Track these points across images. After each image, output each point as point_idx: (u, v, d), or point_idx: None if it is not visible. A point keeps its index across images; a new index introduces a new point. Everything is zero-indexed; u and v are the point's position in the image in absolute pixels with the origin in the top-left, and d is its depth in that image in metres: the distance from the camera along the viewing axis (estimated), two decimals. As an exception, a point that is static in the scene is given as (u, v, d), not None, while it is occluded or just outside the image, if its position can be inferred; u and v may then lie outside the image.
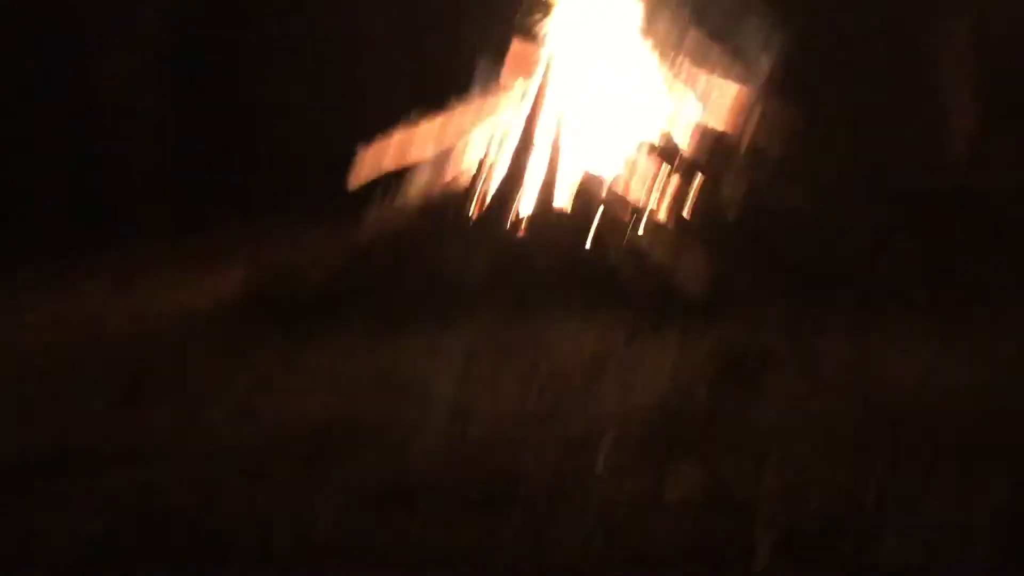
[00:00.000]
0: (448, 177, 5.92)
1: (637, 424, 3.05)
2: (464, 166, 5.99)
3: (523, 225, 5.20)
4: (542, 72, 5.88)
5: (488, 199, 5.40)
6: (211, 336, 4.57)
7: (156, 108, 8.60)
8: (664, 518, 2.44)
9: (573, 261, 4.84)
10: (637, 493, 2.58)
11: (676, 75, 5.75)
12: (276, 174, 8.45)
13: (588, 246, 4.93)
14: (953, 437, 2.74)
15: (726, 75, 5.68)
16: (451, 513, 2.52)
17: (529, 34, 5.99)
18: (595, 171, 5.37)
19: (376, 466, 2.85)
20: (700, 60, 5.75)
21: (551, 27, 5.93)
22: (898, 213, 5.12)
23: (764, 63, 5.64)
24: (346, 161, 5.95)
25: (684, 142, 5.49)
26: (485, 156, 5.82)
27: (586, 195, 5.17)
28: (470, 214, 5.41)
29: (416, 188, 5.86)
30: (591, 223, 4.99)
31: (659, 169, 5.26)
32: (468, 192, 5.53)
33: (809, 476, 2.57)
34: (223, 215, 7.72)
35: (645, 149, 5.41)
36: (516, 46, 5.93)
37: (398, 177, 5.91)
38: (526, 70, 5.90)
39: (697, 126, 5.53)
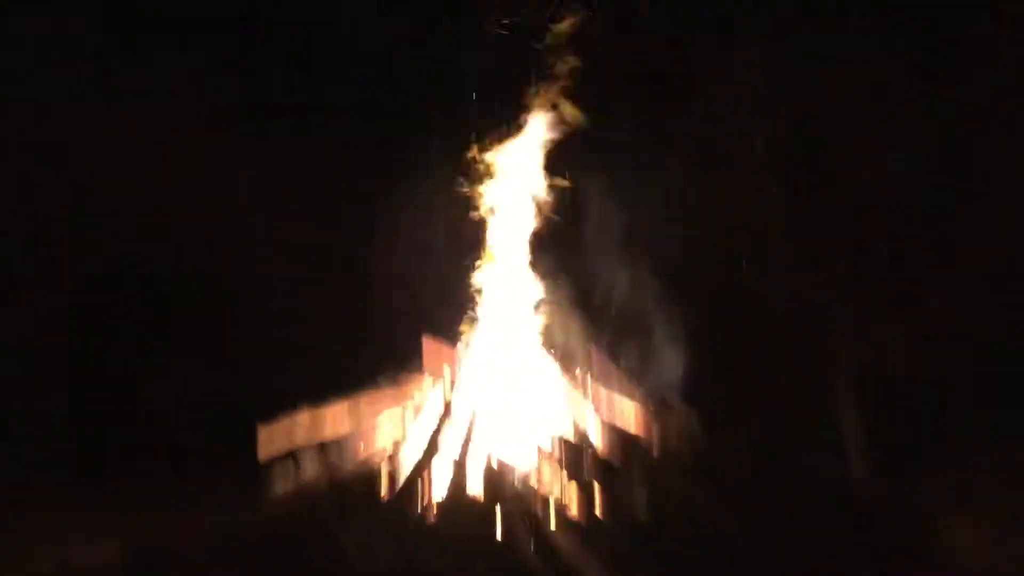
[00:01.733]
0: (359, 457, 5.87)
1: None
2: (376, 447, 5.96)
3: (433, 511, 5.11)
4: (458, 363, 6.14)
5: (399, 482, 5.32)
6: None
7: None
8: None
9: (483, 553, 4.72)
10: None
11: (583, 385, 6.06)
12: (173, 444, 8.15)
13: (499, 537, 4.84)
14: None
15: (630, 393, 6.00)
16: None
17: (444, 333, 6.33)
18: (508, 462, 5.39)
19: None
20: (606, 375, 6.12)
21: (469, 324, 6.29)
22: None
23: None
24: (251, 437, 5.90)
25: (597, 441, 5.62)
26: (399, 439, 5.86)
27: (499, 483, 5.14)
28: (380, 495, 5.31)
29: (324, 466, 5.78)
30: (503, 513, 4.91)
31: (571, 465, 5.30)
32: (378, 473, 5.44)
33: None
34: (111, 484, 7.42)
35: (559, 444, 5.48)
36: (429, 343, 6.19)
37: (307, 455, 5.85)
38: (442, 362, 6.11)
39: (609, 427, 5.69)
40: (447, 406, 5.69)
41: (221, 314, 8.56)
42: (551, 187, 6.37)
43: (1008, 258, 8.04)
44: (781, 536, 4.73)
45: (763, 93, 7.77)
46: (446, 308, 6.52)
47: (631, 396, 6.01)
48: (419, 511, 5.13)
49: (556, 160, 6.40)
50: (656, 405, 5.93)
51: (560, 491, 5.19)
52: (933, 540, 4.95)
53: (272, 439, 5.89)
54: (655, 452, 5.47)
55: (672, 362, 6.27)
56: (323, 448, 5.90)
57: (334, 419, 6.07)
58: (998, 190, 8.07)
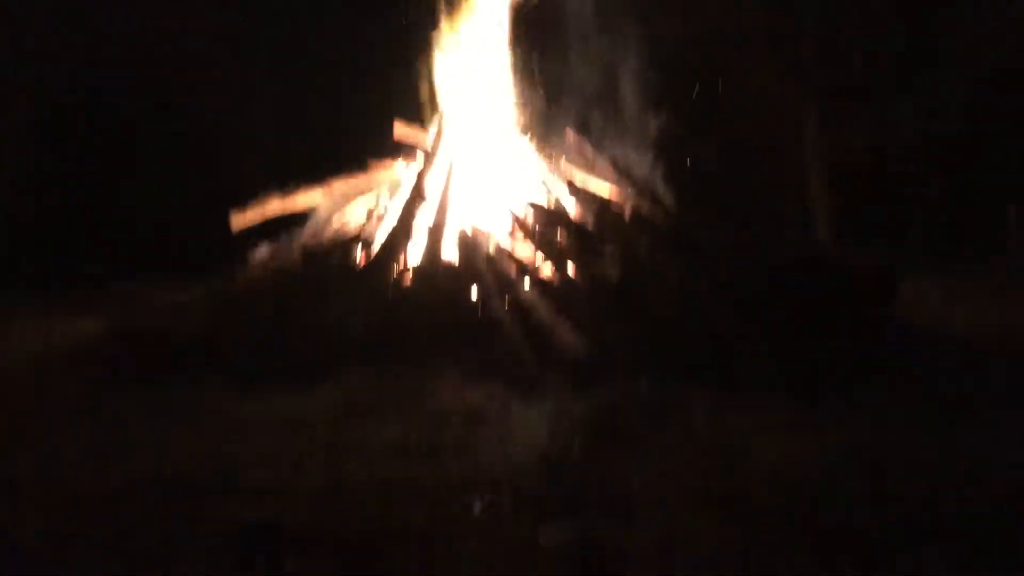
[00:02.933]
0: (335, 226, 5.92)
1: (515, 476, 3.06)
2: (353, 216, 6.04)
3: (409, 275, 5.18)
4: (434, 132, 6.13)
5: (376, 248, 5.38)
6: (73, 381, 4.43)
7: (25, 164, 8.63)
8: (540, 566, 2.46)
9: (458, 312, 4.82)
10: (514, 542, 2.59)
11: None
12: (154, 230, 8.48)
13: (473, 299, 4.92)
14: (806, 508, 2.82)
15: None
16: (327, 557, 2.48)
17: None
18: (483, 226, 5.45)
19: (246, 509, 2.78)
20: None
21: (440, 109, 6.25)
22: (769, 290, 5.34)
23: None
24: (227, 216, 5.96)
25: (571, 206, 5.66)
26: (374, 207, 5.90)
27: (473, 249, 5.19)
28: (356, 262, 5.38)
29: (302, 236, 5.84)
30: (477, 277, 4.99)
31: (546, 229, 5.37)
32: (355, 240, 5.53)
33: (677, 530, 2.64)
34: (95, 268, 7.73)
35: (533, 209, 5.54)
36: (400, 128, 6.21)
37: (284, 227, 5.93)
38: (414, 145, 6.16)
39: (584, 192, 5.71)
40: (419, 184, 5.66)
41: (191, 117, 8.74)
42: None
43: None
44: (747, 296, 4.79)
45: None
46: (416, 93, 6.43)
47: (604, 172, 6.03)
48: (395, 276, 5.19)
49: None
50: (628, 178, 5.96)
51: (534, 255, 5.26)
52: (892, 293, 5.07)
53: (246, 221, 5.94)
54: (626, 219, 5.48)
55: (644, 139, 6.26)
56: (298, 224, 5.97)
57: (307, 200, 6.09)
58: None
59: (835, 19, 8.93)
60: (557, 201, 5.72)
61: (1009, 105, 8.71)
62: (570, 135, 6.19)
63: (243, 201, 5.95)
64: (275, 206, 6.05)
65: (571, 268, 5.08)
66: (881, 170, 9.25)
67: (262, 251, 5.80)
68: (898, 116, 8.98)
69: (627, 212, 5.51)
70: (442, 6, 6.15)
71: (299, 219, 6.00)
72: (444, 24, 6.15)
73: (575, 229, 5.36)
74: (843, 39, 9.02)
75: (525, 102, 6.30)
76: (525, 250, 5.35)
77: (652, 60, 6.48)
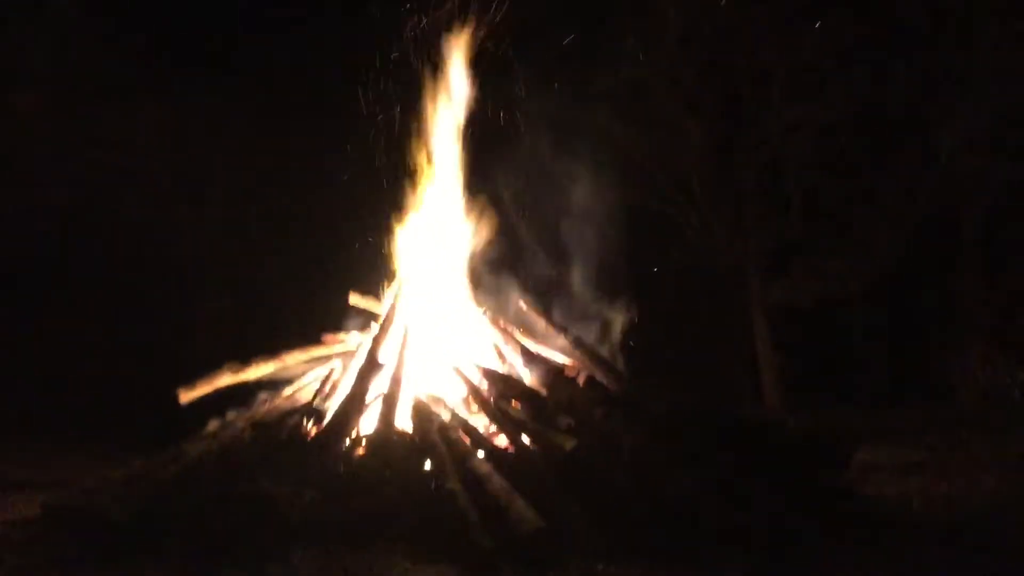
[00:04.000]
0: (288, 397, 5.87)
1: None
2: (306, 387, 5.99)
3: (362, 446, 5.06)
4: (389, 300, 6.25)
5: (328, 419, 5.29)
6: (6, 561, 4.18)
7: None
8: None
9: (410, 486, 4.67)
10: None
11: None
12: (98, 402, 8.23)
13: (426, 470, 4.80)
14: None
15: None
16: None
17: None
18: (437, 395, 5.44)
19: None
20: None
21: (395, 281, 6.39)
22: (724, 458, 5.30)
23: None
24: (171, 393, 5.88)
25: (526, 374, 5.69)
26: (328, 377, 5.86)
27: (427, 418, 5.14)
28: (307, 433, 5.26)
29: (252, 408, 5.78)
30: (431, 447, 4.89)
31: (501, 397, 5.36)
32: (307, 411, 5.44)
33: None
34: (31, 441, 7.46)
35: (488, 378, 5.54)
36: (354, 300, 6.37)
37: (235, 400, 5.88)
38: (368, 317, 6.29)
39: (538, 360, 5.75)
40: (374, 352, 5.67)
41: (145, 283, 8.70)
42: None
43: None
44: (703, 466, 4.73)
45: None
46: (371, 266, 6.62)
47: (557, 340, 6.16)
48: (347, 447, 5.07)
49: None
50: (581, 346, 6.07)
51: (488, 424, 5.24)
52: (845, 462, 5.05)
53: (194, 394, 5.88)
54: (580, 388, 5.42)
55: (597, 310, 6.50)
56: (248, 397, 5.93)
57: (259, 372, 6.11)
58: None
59: (772, 176, 9.33)
60: (512, 369, 5.75)
61: (937, 250, 9.08)
62: (523, 305, 6.32)
63: (192, 375, 5.88)
64: (226, 378, 5.99)
65: (526, 438, 5.01)
66: (825, 323, 9.47)
67: (211, 424, 5.66)
68: (837, 268, 9.26)
69: (581, 380, 5.47)
70: (403, 184, 6.42)
71: (251, 391, 5.95)
72: (402, 197, 6.40)
73: (530, 397, 5.32)
74: (781, 195, 9.35)
75: (479, 274, 6.47)
76: (480, 419, 5.31)
77: (602, 227, 6.79)
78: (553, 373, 5.55)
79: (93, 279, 8.63)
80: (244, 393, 5.94)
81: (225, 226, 8.76)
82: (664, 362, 7.39)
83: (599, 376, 5.66)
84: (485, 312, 6.28)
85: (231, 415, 5.67)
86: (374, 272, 6.49)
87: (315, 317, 6.58)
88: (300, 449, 5.06)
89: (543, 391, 5.40)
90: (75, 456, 6.93)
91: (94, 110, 8.54)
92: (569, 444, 4.81)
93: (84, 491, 5.13)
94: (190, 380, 5.84)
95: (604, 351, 6.14)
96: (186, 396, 5.78)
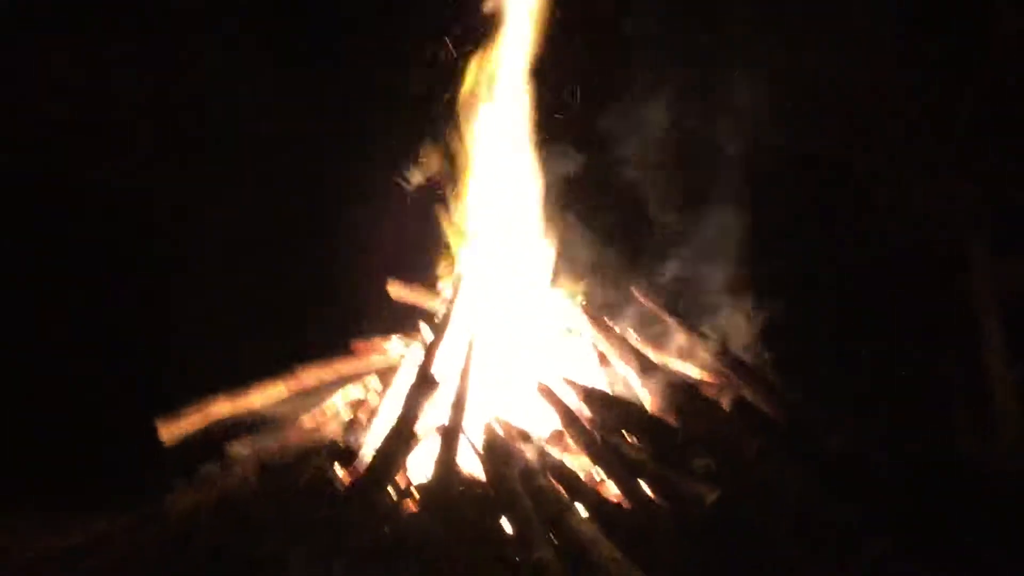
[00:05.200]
0: (306, 432, 5.96)
1: None
2: (331, 417, 6.10)
3: (414, 500, 5.10)
4: (447, 292, 6.34)
5: (364, 461, 5.35)
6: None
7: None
8: None
9: (483, 556, 4.64)
10: None
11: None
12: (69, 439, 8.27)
13: (506, 535, 4.78)
14: None
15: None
16: None
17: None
18: (518, 427, 5.44)
19: None
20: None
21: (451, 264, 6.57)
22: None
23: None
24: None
25: (644, 396, 5.66)
26: (361, 402, 5.97)
27: (505, 460, 5.12)
28: (336, 481, 5.29)
29: (259, 444, 5.88)
30: (511, 501, 4.86)
31: (609, 429, 5.32)
32: (334, 451, 5.46)
33: None
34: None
35: (589, 401, 5.53)
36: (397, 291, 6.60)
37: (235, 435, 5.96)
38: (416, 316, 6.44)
39: (662, 375, 5.69)
40: (425, 371, 5.65)
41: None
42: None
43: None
44: (903, 528, 4.62)
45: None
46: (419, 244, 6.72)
47: (689, 346, 6.12)
48: (392, 501, 5.10)
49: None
50: (725, 354, 5.97)
51: (592, 467, 5.22)
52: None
53: (182, 429, 6.00)
54: (725, 413, 5.37)
55: (746, 302, 6.36)
56: (252, 432, 6.03)
57: (267, 398, 6.20)
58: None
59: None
60: (623, 389, 5.76)
61: None
62: (638, 294, 6.30)
63: (177, 400, 5.98)
64: (223, 406, 6.08)
65: (647, 487, 4.96)
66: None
67: (207, 468, 5.76)
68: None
69: (726, 403, 5.41)
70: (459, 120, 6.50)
71: (256, 424, 6.06)
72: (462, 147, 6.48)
73: (651, 429, 5.30)
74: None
75: (570, 249, 6.49)
76: (579, 461, 5.30)
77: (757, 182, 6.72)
78: (685, 393, 5.48)
79: (44, 254, 8.82)
80: (248, 424, 6.04)
81: (213, 183, 8.88)
82: (840, 377, 7.25)
83: (751, 396, 5.58)
84: (582, 305, 6.29)
85: (230, 454, 5.76)
86: (425, 252, 6.61)
87: (343, 317, 6.69)
88: (327, 503, 5.08)
89: (670, 419, 5.36)
90: (13, 514, 6.87)
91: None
92: (710, 495, 4.75)
93: (22, 568, 5.30)
94: (174, 408, 5.92)
95: (762, 355, 6.09)
96: (169, 432, 5.86)
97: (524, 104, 6.55)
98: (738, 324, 6.19)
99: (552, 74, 6.57)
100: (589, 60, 6.82)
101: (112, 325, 8.62)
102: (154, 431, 5.87)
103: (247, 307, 8.36)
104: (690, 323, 6.18)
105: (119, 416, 6.49)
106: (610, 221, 6.72)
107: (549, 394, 5.64)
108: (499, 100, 6.56)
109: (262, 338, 7.24)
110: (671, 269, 6.55)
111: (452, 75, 6.65)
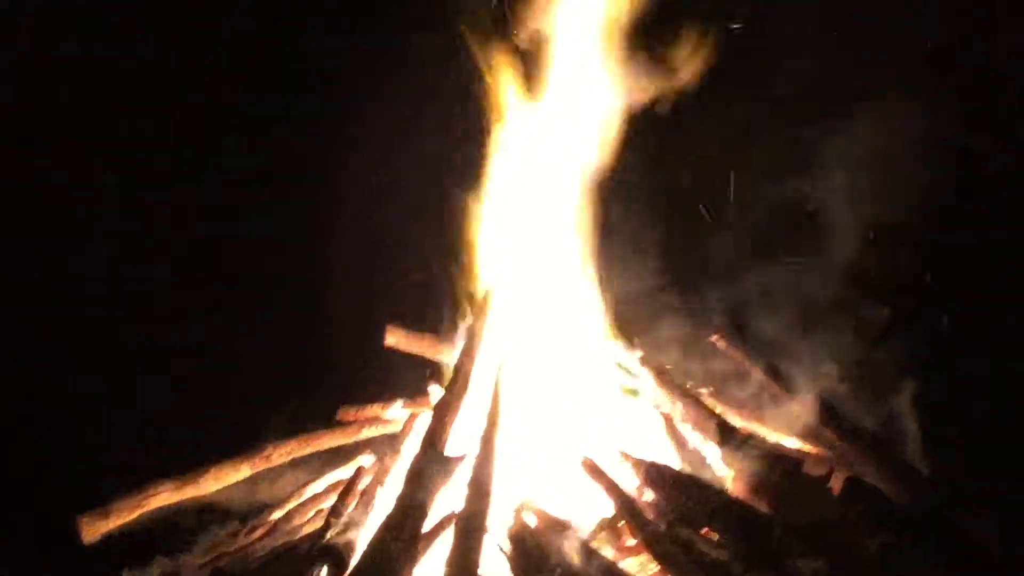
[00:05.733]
0: (276, 526, 5.88)
1: None
2: (310, 506, 6.04)
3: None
4: (463, 340, 6.10)
5: (352, 564, 4.99)
6: None
7: None
8: None
9: None
10: None
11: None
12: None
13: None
14: None
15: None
16: None
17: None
18: (556, 514, 5.09)
19: None
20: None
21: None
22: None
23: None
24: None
25: (723, 471, 5.39)
26: (350, 484, 5.70)
27: (540, 558, 4.79)
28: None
29: (212, 544, 5.81)
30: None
31: (676, 516, 4.99)
32: (313, 550, 5.16)
33: None
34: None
35: (649, 478, 5.25)
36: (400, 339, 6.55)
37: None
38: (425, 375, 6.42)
39: (750, 446, 5.37)
40: (435, 444, 5.41)
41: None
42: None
43: None
44: None
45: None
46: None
47: (786, 409, 5.87)
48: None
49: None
50: (835, 419, 5.63)
51: (656, 567, 4.89)
52: None
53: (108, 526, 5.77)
54: (835, 498, 5.04)
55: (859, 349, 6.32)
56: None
57: (222, 482, 6.08)
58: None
59: None
60: (697, 463, 5.51)
61: None
62: (717, 342, 6.13)
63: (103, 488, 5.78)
64: (166, 495, 5.84)
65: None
66: None
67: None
68: None
69: (836, 484, 5.06)
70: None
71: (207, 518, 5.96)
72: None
73: (736, 519, 4.92)
74: None
75: (622, 279, 6.41)
76: (638, 560, 5.02)
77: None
78: (780, 470, 5.14)
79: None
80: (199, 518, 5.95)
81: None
82: (993, 442, 6.66)
83: (870, 474, 5.24)
84: (642, 357, 6.06)
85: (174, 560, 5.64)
86: (431, 295, 6.49)
87: (325, 375, 6.56)
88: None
89: (762, 505, 5.04)
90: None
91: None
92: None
93: None
94: (98, 497, 5.63)
95: (889, 422, 5.74)
96: (92, 529, 5.56)
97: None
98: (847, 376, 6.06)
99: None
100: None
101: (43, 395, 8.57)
102: (74, 525, 5.59)
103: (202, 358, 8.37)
104: (785, 377, 5.92)
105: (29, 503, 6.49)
106: (676, 247, 6.82)
107: (598, 472, 5.35)
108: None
109: (225, 407, 7.12)
110: (754, 312, 6.41)
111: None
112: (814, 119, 7.02)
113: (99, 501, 5.62)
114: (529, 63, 6.54)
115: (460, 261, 6.46)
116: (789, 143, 7.01)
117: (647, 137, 6.72)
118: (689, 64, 6.68)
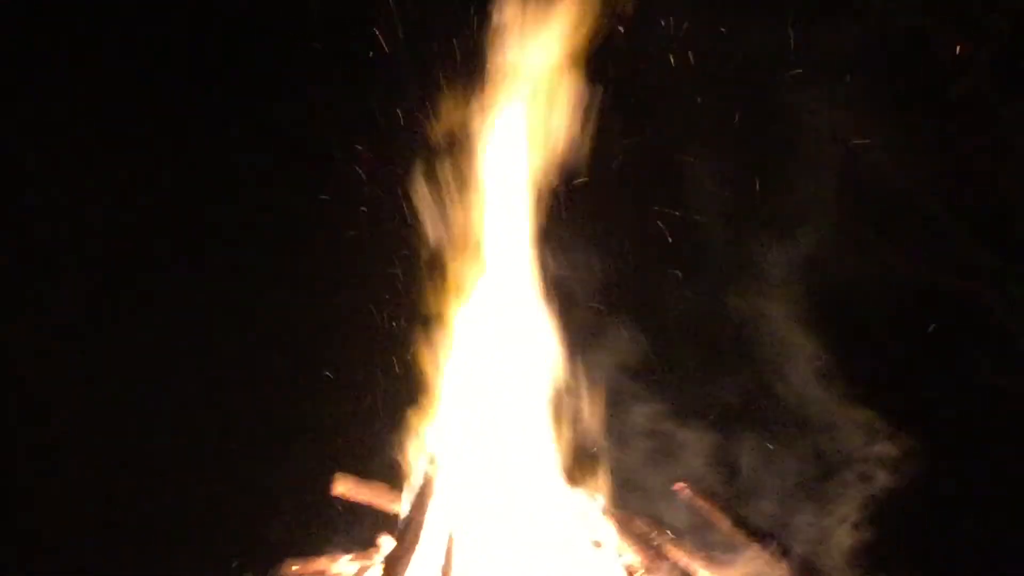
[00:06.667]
0: None
1: None
2: None
3: None
4: (416, 485, 5.96)
5: None
6: None
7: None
8: None
9: None
10: None
11: None
12: None
13: None
14: None
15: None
16: None
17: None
18: None
19: None
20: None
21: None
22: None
23: None
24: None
25: None
26: None
27: None
28: None
29: None
30: None
31: None
32: None
33: None
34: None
35: None
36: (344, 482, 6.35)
37: None
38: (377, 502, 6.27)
39: None
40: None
41: None
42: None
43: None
44: None
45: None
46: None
47: (763, 564, 5.71)
48: None
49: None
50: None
51: None
52: None
53: None
54: None
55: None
56: None
57: None
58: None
59: None
60: None
61: None
62: (684, 490, 5.98)
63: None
64: None
65: None
66: None
67: None
68: None
69: None
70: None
71: None
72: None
73: None
74: None
75: (580, 428, 6.26)
76: None
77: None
78: None
79: None
80: None
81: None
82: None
83: None
84: (605, 508, 5.92)
85: None
86: (381, 436, 6.33)
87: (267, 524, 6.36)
88: None
89: None
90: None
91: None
92: None
93: None
94: None
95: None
96: None
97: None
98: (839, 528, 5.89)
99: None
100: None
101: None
102: None
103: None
104: (760, 529, 5.75)
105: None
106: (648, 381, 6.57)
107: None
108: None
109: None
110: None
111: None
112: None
113: None
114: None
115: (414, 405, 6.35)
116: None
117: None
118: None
